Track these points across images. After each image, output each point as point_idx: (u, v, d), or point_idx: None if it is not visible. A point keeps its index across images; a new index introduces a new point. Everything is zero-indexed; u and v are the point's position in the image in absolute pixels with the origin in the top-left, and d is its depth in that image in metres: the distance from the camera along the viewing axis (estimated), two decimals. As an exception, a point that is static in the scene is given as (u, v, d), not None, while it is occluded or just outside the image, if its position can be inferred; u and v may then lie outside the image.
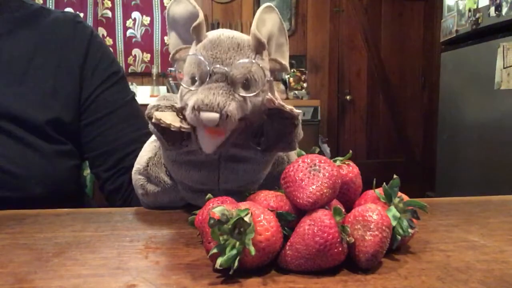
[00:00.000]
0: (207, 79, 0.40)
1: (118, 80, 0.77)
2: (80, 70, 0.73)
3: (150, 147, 0.55)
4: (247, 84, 0.42)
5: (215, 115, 0.38)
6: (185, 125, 0.42)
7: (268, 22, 0.46)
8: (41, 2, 3.04)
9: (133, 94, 0.80)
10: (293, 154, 0.53)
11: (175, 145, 0.45)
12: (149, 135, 0.56)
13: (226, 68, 0.41)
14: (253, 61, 0.42)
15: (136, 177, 0.54)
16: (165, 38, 3.32)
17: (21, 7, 0.73)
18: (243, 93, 0.41)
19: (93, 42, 0.76)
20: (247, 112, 0.42)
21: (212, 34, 0.44)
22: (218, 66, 0.41)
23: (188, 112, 0.40)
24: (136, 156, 0.55)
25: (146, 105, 0.48)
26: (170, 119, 0.42)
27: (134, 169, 0.54)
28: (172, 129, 0.41)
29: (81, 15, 2.68)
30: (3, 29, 0.70)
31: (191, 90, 0.42)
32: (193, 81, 0.42)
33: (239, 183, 0.49)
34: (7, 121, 0.64)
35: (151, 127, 0.45)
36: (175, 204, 0.54)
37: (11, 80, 0.67)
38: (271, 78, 0.45)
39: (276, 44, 0.48)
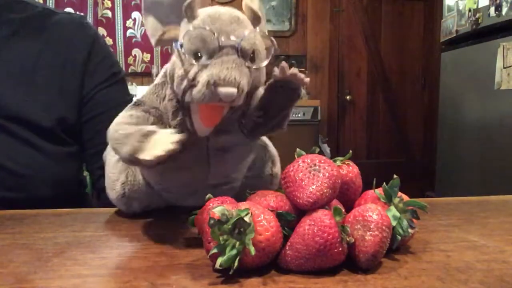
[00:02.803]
0: (217, 53, 0.39)
1: (118, 81, 0.78)
2: (83, 68, 0.74)
3: (116, 169, 0.51)
4: (253, 57, 0.41)
5: (234, 90, 0.38)
6: (180, 137, 0.39)
7: (255, 2, 0.45)
8: (41, 2, 3.04)
9: (131, 97, 0.80)
10: (273, 152, 0.55)
11: (160, 162, 0.39)
12: None
13: (236, 40, 0.39)
14: (257, 31, 0.41)
15: (118, 203, 0.52)
16: (165, 38, 3.32)
17: (26, 9, 0.73)
18: (250, 65, 0.40)
19: (97, 42, 0.77)
20: (250, 85, 0.41)
21: (208, 11, 0.42)
22: (226, 38, 0.39)
23: (200, 88, 0.38)
24: None
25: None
26: (160, 146, 0.38)
27: (110, 195, 0.52)
28: (173, 153, 0.37)
29: (81, 15, 2.68)
30: (9, 31, 0.70)
31: (194, 64, 0.39)
32: (195, 57, 0.40)
33: (227, 172, 0.49)
34: (14, 123, 0.65)
35: (126, 158, 0.40)
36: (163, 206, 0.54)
37: (18, 81, 0.68)
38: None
39: (261, 31, 0.47)
